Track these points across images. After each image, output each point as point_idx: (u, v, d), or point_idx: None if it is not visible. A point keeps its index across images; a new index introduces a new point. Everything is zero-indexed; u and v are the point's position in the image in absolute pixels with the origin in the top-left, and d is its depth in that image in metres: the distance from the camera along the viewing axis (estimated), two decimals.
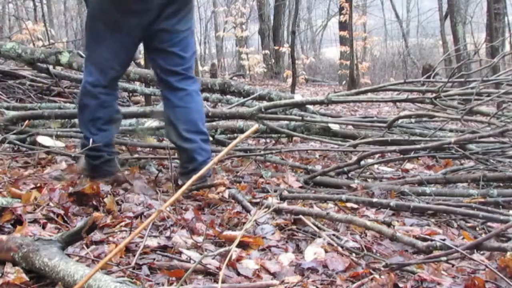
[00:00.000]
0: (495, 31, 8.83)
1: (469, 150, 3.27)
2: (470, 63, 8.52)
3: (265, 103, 3.68)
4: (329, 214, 2.10)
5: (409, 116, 3.72)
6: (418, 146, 3.15)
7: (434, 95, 3.82)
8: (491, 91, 4.05)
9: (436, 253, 1.73)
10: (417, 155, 3.33)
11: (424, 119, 4.08)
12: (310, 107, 4.26)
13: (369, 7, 21.38)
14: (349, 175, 3.09)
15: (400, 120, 3.94)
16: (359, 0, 19.48)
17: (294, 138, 4.10)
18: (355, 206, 2.46)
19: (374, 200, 2.40)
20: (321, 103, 3.85)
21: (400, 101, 3.99)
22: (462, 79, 4.16)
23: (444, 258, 1.66)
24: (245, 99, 4.36)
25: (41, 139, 3.05)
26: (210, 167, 1.14)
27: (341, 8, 14.71)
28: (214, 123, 3.93)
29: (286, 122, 3.90)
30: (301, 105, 3.96)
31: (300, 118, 3.61)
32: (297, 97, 4.55)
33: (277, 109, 3.76)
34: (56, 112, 3.45)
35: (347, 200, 2.45)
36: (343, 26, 14.81)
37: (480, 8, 17.97)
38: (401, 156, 3.31)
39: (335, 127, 3.80)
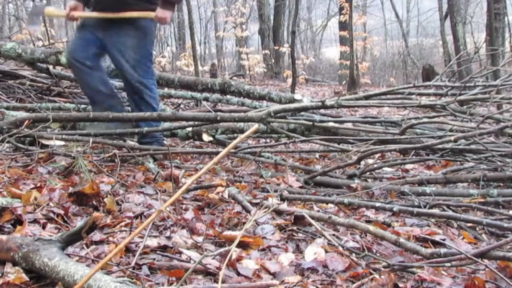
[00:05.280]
0: (495, 31, 8.82)
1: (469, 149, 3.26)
2: (471, 64, 8.52)
3: (274, 107, 3.62)
4: (331, 218, 2.09)
5: (422, 123, 3.70)
6: (418, 145, 3.15)
7: (445, 99, 3.81)
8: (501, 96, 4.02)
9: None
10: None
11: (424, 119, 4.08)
12: (306, 102, 4.24)
13: (369, 7, 21.36)
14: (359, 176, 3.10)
15: (400, 119, 3.94)
16: (359, 0, 19.46)
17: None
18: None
19: (377, 204, 2.38)
20: (331, 107, 3.82)
21: (411, 106, 3.96)
22: (472, 84, 4.13)
23: (448, 264, 1.66)
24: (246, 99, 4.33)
25: (41, 137, 3.05)
26: (210, 167, 1.14)
27: (341, 8, 14.69)
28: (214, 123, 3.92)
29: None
30: (310, 109, 3.94)
31: (311, 123, 3.59)
32: (297, 97, 4.55)
33: (286, 113, 3.74)
34: (61, 116, 3.43)
35: (350, 204, 2.44)
36: (343, 26, 14.79)
37: (480, 8, 17.96)
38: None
39: (335, 126, 3.79)
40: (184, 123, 3.66)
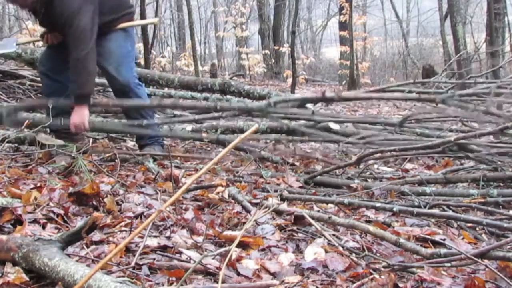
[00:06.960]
0: (495, 31, 8.82)
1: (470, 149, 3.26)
2: (471, 63, 8.54)
3: (274, 98, 3.64)
4: (331, 218, 2.09)
5: (420, 120, 3.71)
6: (418, 145, 3.14)
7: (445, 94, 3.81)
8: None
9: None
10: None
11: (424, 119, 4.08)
12: (310, 106, 4.25)
13: (369, 7, 21.36)
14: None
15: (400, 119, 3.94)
16: (359, 0, 19.47)
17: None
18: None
19: (377, 204, 2.38)
20: (331, 99, 3.82)
21: (412, 99, 3.96)
22: (472, 81, 4.13)
23: (448, 264, 1.66)
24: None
25: (40, 137, 3.05)
26: (210, 167, 1.14)
27: (341, 8, 14.70)
28: (214, 123, 3.91)
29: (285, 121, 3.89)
30: (310, 101, 3.95)
31: (311, 123, 3.59)
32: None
33: (286, 104, 3.74)
34: None
35: (350, 204, 2.44)
36: (343, 26, 14.80)
37: (480, 8, 17.94)
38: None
39: (335, 126, 3.80)
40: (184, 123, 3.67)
